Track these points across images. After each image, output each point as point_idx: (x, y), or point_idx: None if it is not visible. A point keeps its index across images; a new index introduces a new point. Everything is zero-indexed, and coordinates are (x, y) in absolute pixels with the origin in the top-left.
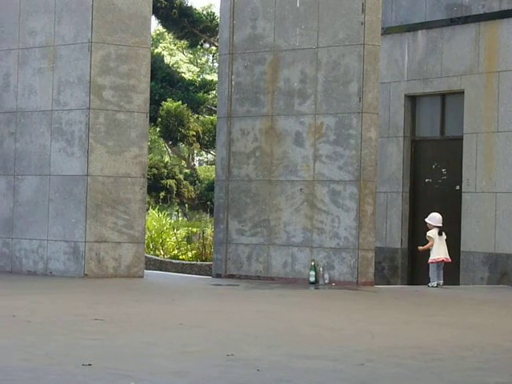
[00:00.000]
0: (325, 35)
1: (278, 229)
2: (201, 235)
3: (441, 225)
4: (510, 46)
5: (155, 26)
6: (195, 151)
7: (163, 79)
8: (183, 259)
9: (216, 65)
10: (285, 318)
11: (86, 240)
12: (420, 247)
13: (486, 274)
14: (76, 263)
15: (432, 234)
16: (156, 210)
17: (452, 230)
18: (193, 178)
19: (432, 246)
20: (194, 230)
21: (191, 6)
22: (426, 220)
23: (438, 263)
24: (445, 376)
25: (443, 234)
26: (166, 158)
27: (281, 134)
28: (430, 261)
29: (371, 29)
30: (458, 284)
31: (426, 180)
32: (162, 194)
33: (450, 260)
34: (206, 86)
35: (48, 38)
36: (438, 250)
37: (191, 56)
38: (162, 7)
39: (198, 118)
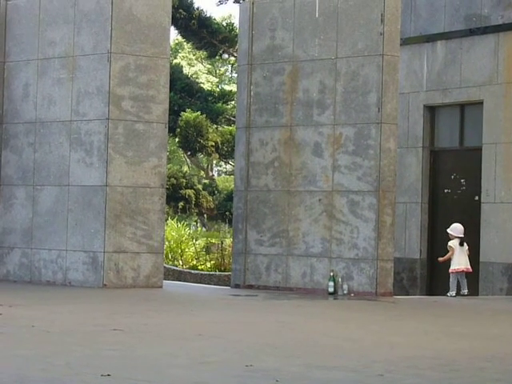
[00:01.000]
0: (344, 46)
1: (297, 239)
2: (220, 245)
3: (462, 235)
4: None
5: (174, 36)
6: (214, 161)
7: (182, 90)
8: (202, 269)
9: (235, 75)
10: (304, 328)
11: (104, 250)
12: (440, 258)
13: (505, 285)
14: (95, 273)
15: (453, 243)
16: (175, 220)
17: (471, 241)
18: (211, 188)
19: (452, 255)
20: (213, 240)
21: (210, 17)
22: (448, 230)
23: (459, 273)
24: None
25: (464, 244)
26: (185, 168)
27: (300, 145)
28: (450, 270)
29: (390, 39)
30: (477, 294)
31: (445, 190)
32: (181, 204)
33: (471, 270)
34: (225, 96)
35: (67, 48)
36: (459, 260)
37: (210, 66)
38: (181, 18)
39: (216, 128)
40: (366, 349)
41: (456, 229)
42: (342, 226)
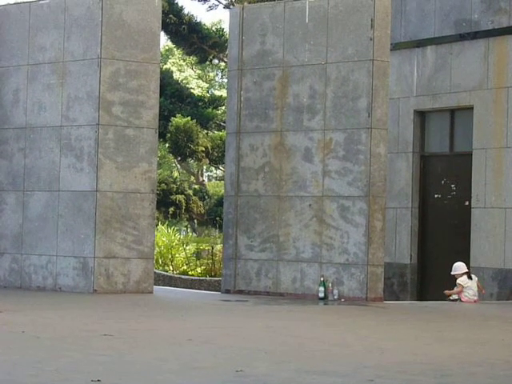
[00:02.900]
0: (334, 51)
1: (287, 244)
2: (210, 251)
3: (467, 270)
4: None
5: (164, 41)
6: (204, 167)
7: (172, 95)
8: (192, 275)
9: (225, 80)
10: (294, 333)
11: (95, 256)
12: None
13: (495, 290)
14: (85, 279)
15: (461, 281)
16: (165, 225)
17: (461, 246)
18: (202, 193)
19: (459, 292)
20: (203, 245)
21: (200, 22)
22: (452, 273)
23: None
24: None
25: (472, 277)
26: (175, 174)
27: (290, 150)
28: (463, 299)
29: (380, 44)
30: None
31: (436, 196)
32: (171, 209)
33: (478, 301)
34: (215, 101)
35: (57, 53)
36: (469, 293)
37: (200, 72)
38: (172, 23)
39: (207, 133)
40: (357, 354)
41: (459, 267)
42: (332, 231)
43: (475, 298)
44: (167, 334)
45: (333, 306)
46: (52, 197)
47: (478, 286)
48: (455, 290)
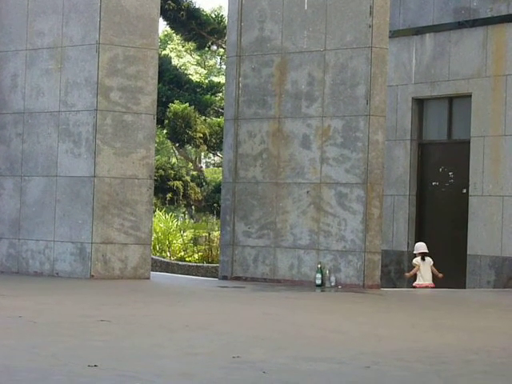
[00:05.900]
0: (332, 38)
1: (285, 231)
2: (207, 237)
3: (424, 251)
4: None
5: (163, 27)
6: (202, 153)
7: (171, 81)
8: (190, 261)
9: (223, 67)
10: (291, 320)
11: (92, 241)
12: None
13: (492, 278)
14: (82, 264)
15: (416, 260)
16: (163, 211)
17: (458, 234)
18: (200, 179)
19: (418, 271)
20: (201, 231)
21: (199, 8)
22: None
23: (422, 288)
24: (451, 379)
25: (425, 258)
26: (173, 160)
27: (288, 137)
28: (414, 284)
29: (379, 31)
30: (465, 287)
31: (433, 183)
32: (169, 195)
33: (433, 285)
34: (214, 88)
35: (56, 39)
36: (424, 276)
37: (199, 58)
38: (170, 9)
39: (205, 119)
40: (353, 341)
41: (416, 247)
42: (329, 218)
43: (428, 282)
44: (164, 319)
45: (330, 292)
46: (50, 182)
47: (432, 270)
48: (413, 270)
